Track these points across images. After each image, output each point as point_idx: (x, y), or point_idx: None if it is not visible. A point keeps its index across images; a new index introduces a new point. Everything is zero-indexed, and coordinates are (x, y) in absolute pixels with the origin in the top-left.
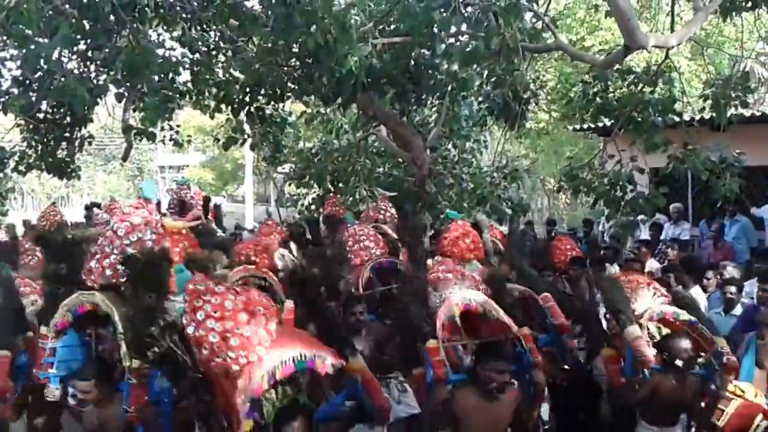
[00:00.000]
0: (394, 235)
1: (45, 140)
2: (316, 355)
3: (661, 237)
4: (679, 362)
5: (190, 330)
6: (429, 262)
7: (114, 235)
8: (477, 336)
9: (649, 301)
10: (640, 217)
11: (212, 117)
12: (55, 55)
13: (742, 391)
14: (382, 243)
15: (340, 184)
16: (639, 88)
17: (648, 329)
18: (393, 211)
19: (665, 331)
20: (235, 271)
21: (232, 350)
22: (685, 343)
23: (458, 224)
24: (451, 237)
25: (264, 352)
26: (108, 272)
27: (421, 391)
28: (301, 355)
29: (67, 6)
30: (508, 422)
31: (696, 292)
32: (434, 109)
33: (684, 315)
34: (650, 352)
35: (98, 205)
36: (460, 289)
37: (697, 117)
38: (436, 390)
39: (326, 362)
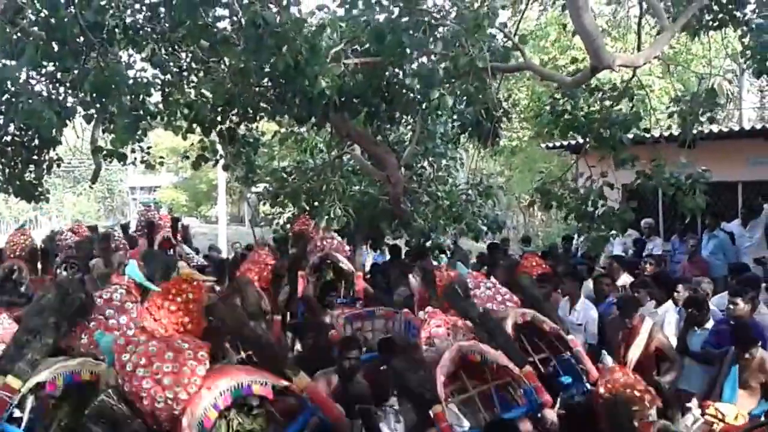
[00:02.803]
0: (347, 264)
1: (12, 163)
2: (253, 381)
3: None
4: None
5: (126, 387)
6: (420, 314)
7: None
8: (481, 383)
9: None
10: (612, 232)
11: (184, 138)
12: (23, 77)
13: (723, 414)
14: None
15: (315, 203)
16: (608, 105)
17: None
18: (337, 240)
19: None
20: None
21: (167, 389)
22: None
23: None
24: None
25: (199, 382)
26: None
27: None
28: (238, 384)
29: (34, 28)
30: None
31: (668, 306)
32: (409, 127)
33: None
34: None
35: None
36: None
37: (666, 133)
38: None
39: (266, 385)
